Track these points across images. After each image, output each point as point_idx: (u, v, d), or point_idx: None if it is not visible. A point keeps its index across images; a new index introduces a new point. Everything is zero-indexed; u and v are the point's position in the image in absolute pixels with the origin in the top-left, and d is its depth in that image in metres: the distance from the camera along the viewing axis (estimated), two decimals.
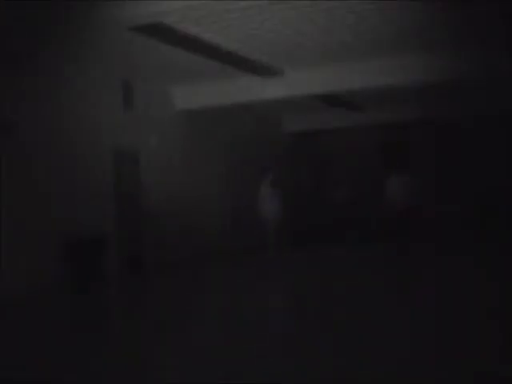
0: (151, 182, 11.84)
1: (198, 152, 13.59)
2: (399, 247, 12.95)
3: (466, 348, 4.98)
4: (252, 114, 16.15)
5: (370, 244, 14.82)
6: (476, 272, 9.42)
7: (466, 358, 4.71)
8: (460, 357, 4.73)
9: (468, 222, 17.40)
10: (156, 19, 7.67)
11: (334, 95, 13.23)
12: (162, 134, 12.31)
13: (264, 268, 11.16)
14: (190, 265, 11.85)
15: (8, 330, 6.55)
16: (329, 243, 14.62)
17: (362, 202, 19.14)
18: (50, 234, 9.36)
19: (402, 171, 13.66)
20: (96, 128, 10.44)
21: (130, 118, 11.32)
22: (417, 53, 10.47)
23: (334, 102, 14.66)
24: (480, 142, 17.95)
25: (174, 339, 5.79)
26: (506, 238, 13.89)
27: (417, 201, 13.56)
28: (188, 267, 11.56)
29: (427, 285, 8.45)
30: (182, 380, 4.50)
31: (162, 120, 12.38)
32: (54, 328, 6.63)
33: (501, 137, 17.58)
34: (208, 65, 10.62)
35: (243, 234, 15.19)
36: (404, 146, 19.11)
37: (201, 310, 7.27)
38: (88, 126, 10.27)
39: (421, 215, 17.60)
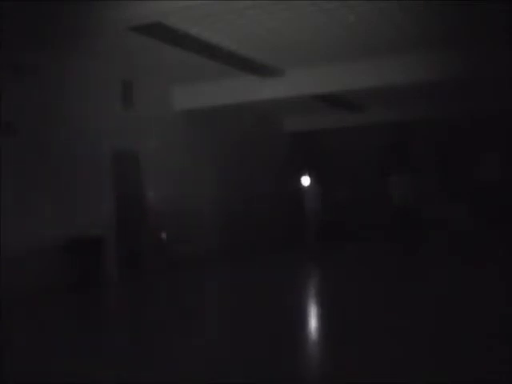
0: (151, 181, 11.83)
1: (197, 152, 13.59)
2: (399, 247, 12.94)
3: (464, 348, 4.98)
4: (252, 114, 16.14)
5: (370, 244, 14.81)
6: (476, 272, 9.42)
7: (465, 357, 4.71)
8: (460, 356, 4.73)
9: (468, 222, 17.40)
10: (156, 19, 7.66)
11: (334, 95, 13.22)
12: (161, 134, 12.31)
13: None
14: (190, 265, 11.84)
15: (8, 330, 6.55)
16: (329, 242, 14.61)
17: (362, 202, 19.14)
18: (50, 234, 9.35)
19: (402, 171, 13.65)
20: (96, 128, 10.44)
21: (129, 118, 11.32)
22: (417, 53, 10.46)
23: (333, 102, 14.65)
24: (480, 141, 17.95)
25: (173, 339, 5.79)
26: (506, 237, 13.88)
27: (417, 201, 13.55)
28: (188, 267, 11.55)
29: (428, 284, 8.44)
30: (180, 380, 4.50)
31: (162, 120, 12.38)
32: (53, 328, 6.63)
33: (501, 137, 17.57)
34: (208, 65, 10.62)
35: (243, 234, 15.17)
36: (404, 145, 19.11)
37: (200, 310, 7.27)
38: (88, 126, 10.26)
39: (421, 215, 17.56)
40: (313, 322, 6.43)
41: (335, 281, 9.33)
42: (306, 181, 13.96)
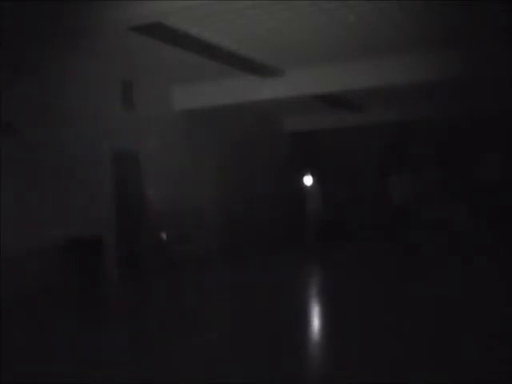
0: (151, 181, 11.83)
1: (197, 152, 13.59)
2: (398, 247, 12.94)
3: (464, 348, 4.98)
4: (252, 114, 16.14)
5: (369, 244, 14.81)
6: (475, 272, 9.42)
7: (465, 358, 4.70)
8: (460, 356, 4.73)
9: (468, 222, 17.39)
10: (156, 19, 7.66)
11: (334, 95, 13.22)
12: (161, 134, 12.31)
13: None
14: (190, 265, 11.84)
15: (8, 330, 6.55)
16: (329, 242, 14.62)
17: (362, 202, 19.13)
18: (50, 234, 9.35)
19: (402, 171, 13.65)
20: (96, 128, 10.44)
21: (129, 118, 11.32)
22: (417, 53, 10.46)
23: (333, 102, 14.65)
24: (480, 141, 17.95)
25: (173, 339, 5.79)
26: (506, 237, 13.89)
27: (416, 201, 13.56)
28: (188, 267, 11.55)
29: (427, 284, 8.44)
30: (181, 380, 4.50)
31: (162, 120, 12.38)
32: (53, 328, 6.63)
33: (501, 137, 17.57)
34: (208, 65, 10.62)
35: (243, 234, 15.17)
36: (404, 145, 19.11)
37: (200, 310, 7.27)
38: (88, 126, 10.26)
39: (421, 215, 17.56)
40: (312, 322, 6.42)
41: (335, 280, 9.33)
42: (308, 180, 13.94)
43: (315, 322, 6.39)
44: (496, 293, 7.55)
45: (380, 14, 8.19)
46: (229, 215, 14.63)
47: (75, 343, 5.80)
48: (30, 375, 4.78)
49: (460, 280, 8.70)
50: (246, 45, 9.46)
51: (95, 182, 10.35)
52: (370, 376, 4.36)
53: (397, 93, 14.40)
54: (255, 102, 12.26)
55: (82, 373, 4.76)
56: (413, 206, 13.23)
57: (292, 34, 8.96)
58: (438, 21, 8.64)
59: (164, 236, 12.05)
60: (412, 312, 6.59)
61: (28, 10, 7.33)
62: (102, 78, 10.63)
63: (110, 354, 5.38)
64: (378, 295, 7.78)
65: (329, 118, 17.49)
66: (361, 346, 5.19)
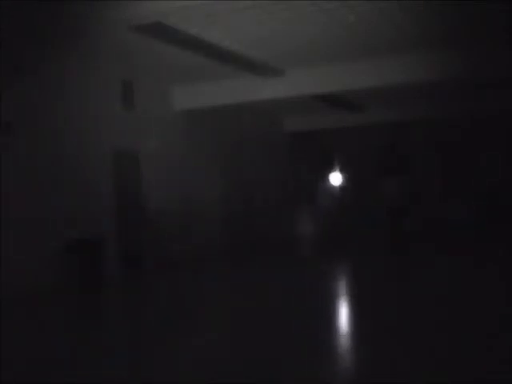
0: (151, 181, 11.83)
1: (198, 152, 13.60)
2: (399, 247, 12.94)
3: (464, 348, 4.98)
4: (252, 114, 16.15)
5: (369, 244, 14.82)
6: (475, 272, 9.42)
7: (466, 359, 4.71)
8: (460, 356, 4.73)
9: (468, 222, 17.40)
10: (156, 19, 7.67)
11: (334, 95, 13.24)
12: (161, 134, 12.32)
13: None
14: (190, 265, 11.85)
15: (8, 330, 6.55)
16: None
17: (362, 202, 19.14)
18: (50, 234, 9.36)
19: (402, 171, 13.67)
20: (96, 128, 10.45)
21: (130, 118, 11.32)
22: (417, 53, 10.47)
23: (333, 102, 14.66)
24: (480, 142, 17.95)
25: (173, 339, 5.79)
26: (506, 237, 13.89)
27: (416, 201, 13.56)
28: (188, 267, 11.55)
29: (426, 286, 8.45)
30: (181, 380, 4.50)
31: (162, 120, 12.39)
32: (53, 328, 6.63)
33: (501, 137, 17.57)
34: (208, 65, 10.62)
35: (243, 234, 15.18)
36: (403, 146, 19.11)
37: (200, 310, 7.27)
38: (88, 126, 10.27)
39: (420, 215, 17.57)
40: (312, 322, 6.42)
41: (334, 281, 9.34)
42: (336, 178, 13.72)
43: (315, 322, 6.39)
44: (496, 293, 7.55)
45: (380, 14, 8.20)
46: (229, 215, 14.63)
47: (75, 343, 5.80)
48: (30, 375, 4.78)
49: (459, 280, 8.70)
50: (246, 45, 9.47)
51: (95, 182, 10.36)
52: (369, 376, 4.36)
53: (397, 93, 14.41)
54: (255, 101, 12.29)
55: (82, 373, 4.76)
56: (412, 205, 13.25)
57: (292, 34, 8.96)
58: (438, 21, 8.65)
59: (164, 236, 12.05)
60: (411, 312, 6.59)
61: (28, 10, 7.33)
62: (102, 78, 10.64)
63: (110, 354, 5.38)
64: (377, 296, 7.78)
65: (329, 118, 17.53)
66: (360, 346, 5.20)
